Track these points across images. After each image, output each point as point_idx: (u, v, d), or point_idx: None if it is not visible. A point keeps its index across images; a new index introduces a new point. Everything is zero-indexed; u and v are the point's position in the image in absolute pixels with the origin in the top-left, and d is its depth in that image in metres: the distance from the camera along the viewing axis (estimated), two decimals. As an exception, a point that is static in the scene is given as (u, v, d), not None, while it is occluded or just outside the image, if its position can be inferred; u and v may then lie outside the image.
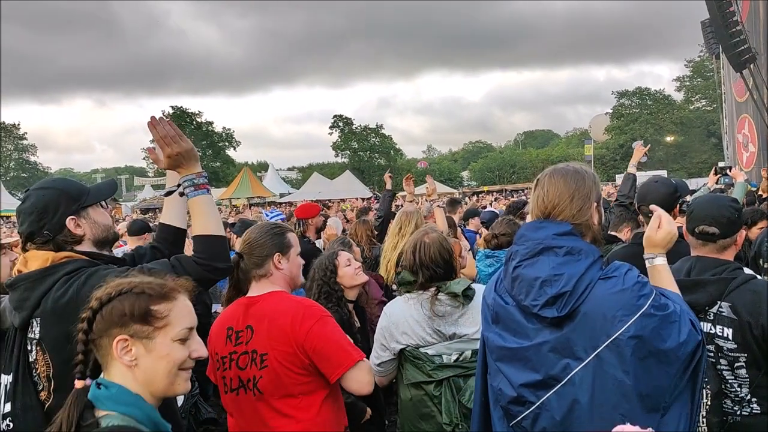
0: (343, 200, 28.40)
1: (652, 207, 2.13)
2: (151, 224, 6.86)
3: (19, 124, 65.35)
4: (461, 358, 2.87)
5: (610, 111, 59.48)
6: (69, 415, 1.41)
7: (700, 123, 55.12)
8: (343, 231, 7.67)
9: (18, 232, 2.24)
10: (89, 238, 2.22)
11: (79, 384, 1.48)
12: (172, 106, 60.33)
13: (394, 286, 4.86)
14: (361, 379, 2.44)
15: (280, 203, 31.85)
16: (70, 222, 2.16)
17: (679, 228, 3.38)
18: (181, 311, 1.54)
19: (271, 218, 6.98)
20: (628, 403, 1.72)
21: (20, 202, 2.22)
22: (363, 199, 27.79)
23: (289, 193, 40.98)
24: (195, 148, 2.29)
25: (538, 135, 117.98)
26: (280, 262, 2.58)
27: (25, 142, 65.69)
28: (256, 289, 2.58)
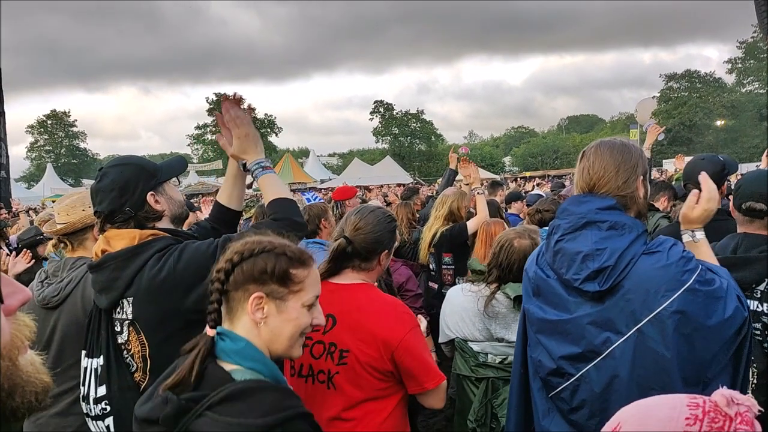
0: (382, 186, 28.45)
1: (701, 177, 2.07)
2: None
3: (69, 112, 67.41)
4: (506, 362, 2.82)
5: (657, 94, 57.67)
6: (196, 361, 1.42)
7: (752, 106, 52.88)
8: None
9: (95, 212, 2.14)
10: (167, 214, 2.18)
11: (210, 332, 1.48)
12: (215, 93, 61.33)
13: (431, 266, 4.89)
14: (434, 399, 2.33)
15: (321, 189, 32.03)
16: (150, 198, 2.11)
17: (726, 205, 3.32)
18: (314, 279, 1.57)
19: (309, 201, 7.05)
20: (669, 378, 1.71)
21: (96, 181, 2.13)
22: (401, 185, 27.76)
23: (330, 179, 41.11)
24: (259, 135, 2.35)
25: (582, 120, 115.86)
26: (383, 258, 2.39)
27: (75, 129, 67.66)
28: (346, 277, 2.36)
